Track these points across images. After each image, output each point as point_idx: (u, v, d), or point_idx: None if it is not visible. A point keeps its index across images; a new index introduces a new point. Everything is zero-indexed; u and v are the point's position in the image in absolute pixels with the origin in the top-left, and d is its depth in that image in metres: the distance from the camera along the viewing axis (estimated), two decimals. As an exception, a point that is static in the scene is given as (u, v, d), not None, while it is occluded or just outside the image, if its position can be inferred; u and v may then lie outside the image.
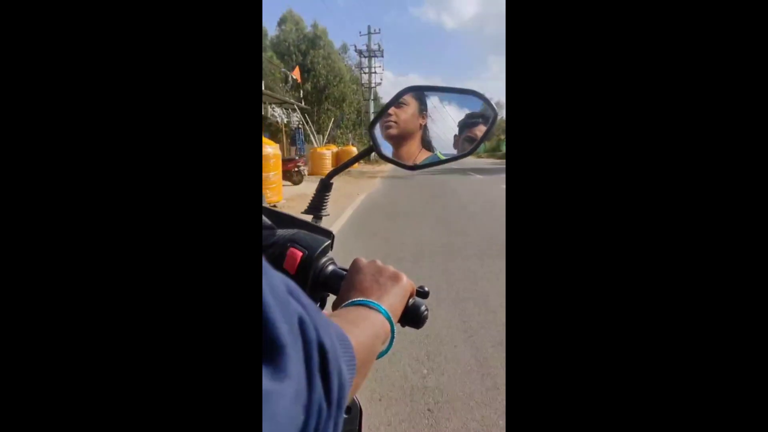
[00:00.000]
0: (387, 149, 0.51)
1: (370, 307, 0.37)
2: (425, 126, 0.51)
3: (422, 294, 0.44)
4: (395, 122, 0.50)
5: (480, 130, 0.50)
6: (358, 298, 0.38)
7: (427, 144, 0.51)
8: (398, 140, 0.51)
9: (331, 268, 0.47)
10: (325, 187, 0.53)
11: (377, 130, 0.49)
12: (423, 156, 0.52)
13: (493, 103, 0.49)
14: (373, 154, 0.51)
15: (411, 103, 0.50)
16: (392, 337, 0.37)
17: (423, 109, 0.50)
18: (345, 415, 0.47)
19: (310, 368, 0.22)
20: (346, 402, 0.25)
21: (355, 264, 0.43)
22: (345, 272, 0.45)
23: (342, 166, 0.54)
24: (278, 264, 0.45)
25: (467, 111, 0.50)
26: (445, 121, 0.51)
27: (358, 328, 0.32)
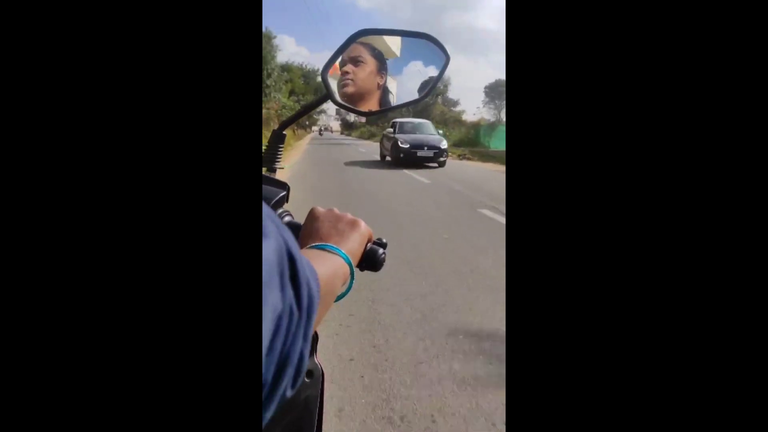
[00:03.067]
0: (341, 96, 0.51)
1: (330, 251, 0.38)
2: (384, 85, 0.51)
3: (380, 244, 0.46)
4: (352, 80, 0.50)
5: (432, 73, 0.53)
6: (317, 243, 0.39)
7: (385, 103, 0.52)
8: (355, 99, 0.51)
9: (287, 219, 0.48)
10: (278, 138, 0.54)
11: (328, 77, 0.50)
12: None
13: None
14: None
15: (369, 62, 0.51)
16: (351, 280, 0.38)
17: (382, 69, 0.51)
18: (307, 380, 0.48)
19: (282, 271, 0.23)
20: (315, 316, 0.26)
21: (312, 212, 0.44)
22: (301, 225, 0.46)
23: (294, 115, 0.53)
24: None
25: (420, 55, 0.53)
26: (400, 68, 0.52)
27: (319, 265, 0.33)
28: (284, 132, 0.53)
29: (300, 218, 0.50)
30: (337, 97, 0.50)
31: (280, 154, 0.54)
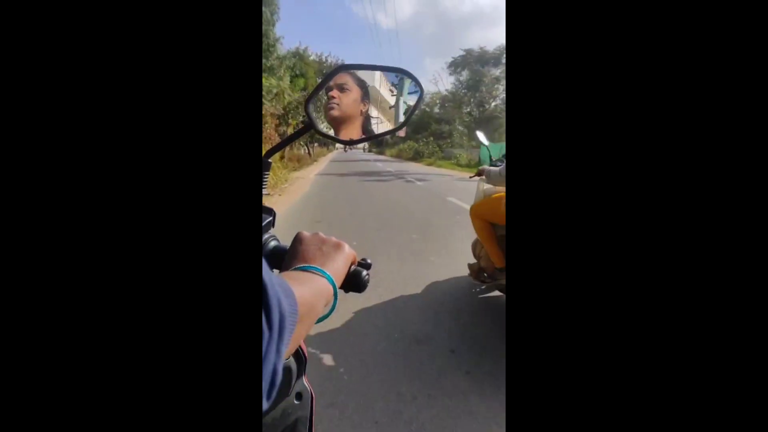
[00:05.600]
0: (323, 126, 0.67)
1: (314, 272, 0.49)
2: (366, 112, 0.70)
3: (365, 265, 0.59)
4: (337, 104, 0.68)
5: (409, 104, 0.69)
6: (302, 265, 0.50)
7: (367, 130, 0.69)
8: (339, 121, 0.68)
9: (273, 243, 0.62)
10: (263, 165, 0.67)
11: (312, 109, 0.66)
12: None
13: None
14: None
15: (354, 89, 0.69)
16: (335, 300, 0.49)
17: (365, 97, 0.70)
18: (296, 402, 0.60)
19: None
20: (288, 333, 0.35)
21: (298, 236, 0.57)
22: (287, 248, 0.58)
23: (280, 144, 0.69)
24: None
25: (398, 87, 0.69)
26: (379, 99, 0.71)
27: (301, 285, 0.43)
28: (270, 160, 0.68)
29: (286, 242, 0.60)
30: (320, 127, 0.66)
31: (266, 181, 0.67)
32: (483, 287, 2.78)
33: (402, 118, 0.72)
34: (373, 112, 0.71)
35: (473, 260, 2.67)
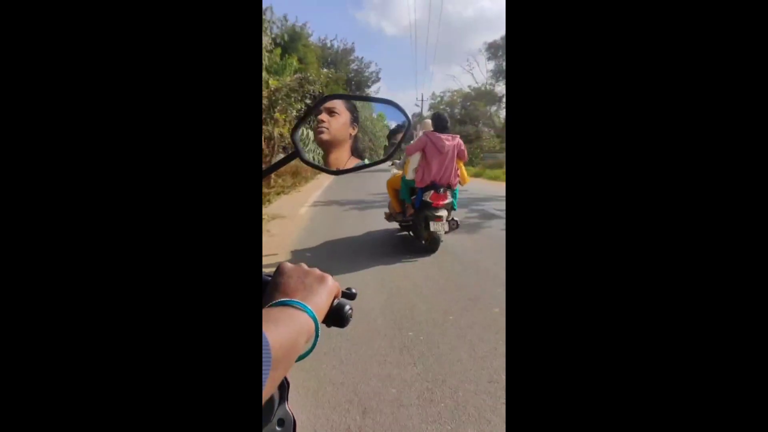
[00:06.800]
0: (310, 155, 0.72)
1: (295, 307, 0.52)
2: (356, 136, 0.75)
3: (349, 295, 0.63)
4: (327, 128, 0.74)
5: (398, 135, 0.74)
6: (283, 299, 0.53)
7: (356, 153, 0.74)
8: (328, 146, 0.74)
9: None
10: None
11: (298, 137, 0.72)
12: (351, 163, 0.75)
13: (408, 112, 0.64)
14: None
15: (343, 114, 0.75)
16: (316, 336, 0.52)
17: (354, 121, 0.75)
18: (278, 428, 0.64)
19: None
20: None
21: (280, 268, 0.61)
22: (269, 279, 0.61)
23: (265, 170, 0.71)
24: None
25: (387, 119, 0.75)
26: (370, 129, 0.82)
27: (278, 326, 0.46)
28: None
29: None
30: (306, 156, 0.71)
31: None
32: (397, 229, 5.68)
33: (391, 147, 0.79)
34: (362, 135, 0.77)
35: (397, 222, 5.32)
